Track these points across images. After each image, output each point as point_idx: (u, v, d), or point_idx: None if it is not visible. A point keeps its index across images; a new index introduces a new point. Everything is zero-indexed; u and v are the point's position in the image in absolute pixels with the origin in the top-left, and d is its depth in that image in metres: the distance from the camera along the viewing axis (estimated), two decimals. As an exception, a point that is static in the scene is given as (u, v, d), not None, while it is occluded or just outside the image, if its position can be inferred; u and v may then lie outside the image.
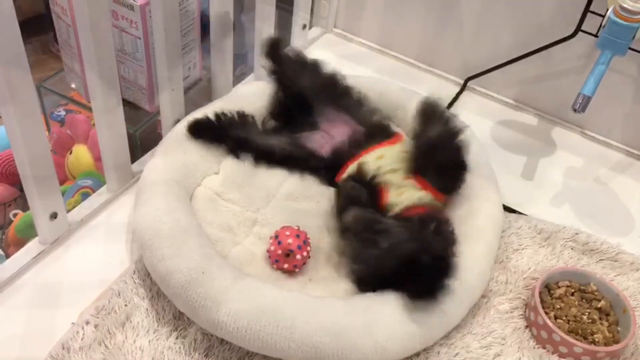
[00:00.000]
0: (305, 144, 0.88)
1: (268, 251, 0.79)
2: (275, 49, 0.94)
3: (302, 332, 0.66)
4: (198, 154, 0.87)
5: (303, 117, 0.90)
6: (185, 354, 0.71)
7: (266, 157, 0.87)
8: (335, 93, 0.91)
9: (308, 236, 0.79)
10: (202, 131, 0.87)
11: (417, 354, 0.72)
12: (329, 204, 0.86)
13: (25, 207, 1.09)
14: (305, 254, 0.77)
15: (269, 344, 0.67)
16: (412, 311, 0.70)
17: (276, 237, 0.78)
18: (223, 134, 0.88)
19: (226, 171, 0.89)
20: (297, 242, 0.77)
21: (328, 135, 0.88)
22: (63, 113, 1.15)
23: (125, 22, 0.95)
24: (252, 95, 0.96)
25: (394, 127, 0.94)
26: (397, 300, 0.71)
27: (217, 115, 0.88)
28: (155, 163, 0.84)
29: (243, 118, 0.90)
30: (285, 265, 0.78)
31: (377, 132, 0.88)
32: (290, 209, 0.86)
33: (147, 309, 0.74)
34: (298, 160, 0.88)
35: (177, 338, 0.72)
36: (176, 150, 0.86)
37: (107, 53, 0.77)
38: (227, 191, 0.86)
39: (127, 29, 0.95)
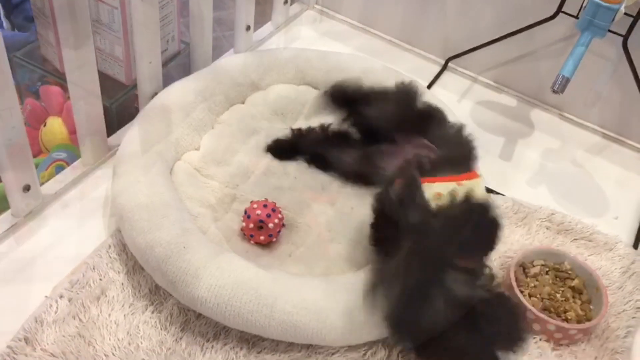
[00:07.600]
0: (375, 159, 0.86)
1: (242, 229, 0.78)
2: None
3: (283, 310, 0.67)
4: (181, 129, 0.86)
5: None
6: (161, 328, 0.70)
7: (338, 170, 0.89)
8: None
9: (277, 205, 0.79)
10: (282, 151, 0.90)
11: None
12: (307, 179, 0.86)
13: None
14: (277, 221, 0.77)
15: (249, 321, 0.67)
16: None
17: (245, 212, 0.78)
18: (300, 150, 0.91)
19: (206, 147, 0.88)
20: (266, 212, 0.77)
21: (401, 151, 0.83)
22: (37, 85, 1.13)
23: (101, -8, 0.93)
24: (232, 69, 0.95)
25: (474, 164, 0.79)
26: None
27: (293, 132, 0.91)
28: (136, 134, 0.83)
29: (320, 131, 0.91)
30: (262, 237, 0.77)
31: (448, 162, 0.77)
32: (268, 185, 0.85)
33: (122, 283, 0.74)
34: (362, 176, 0.87)
35: (152, 312, 0.72)
36: (158, 123, 0.85)
37: (83, 23, 0.75)
38: (206, 167, 0.85)
39: (103, -2, 0.93)
